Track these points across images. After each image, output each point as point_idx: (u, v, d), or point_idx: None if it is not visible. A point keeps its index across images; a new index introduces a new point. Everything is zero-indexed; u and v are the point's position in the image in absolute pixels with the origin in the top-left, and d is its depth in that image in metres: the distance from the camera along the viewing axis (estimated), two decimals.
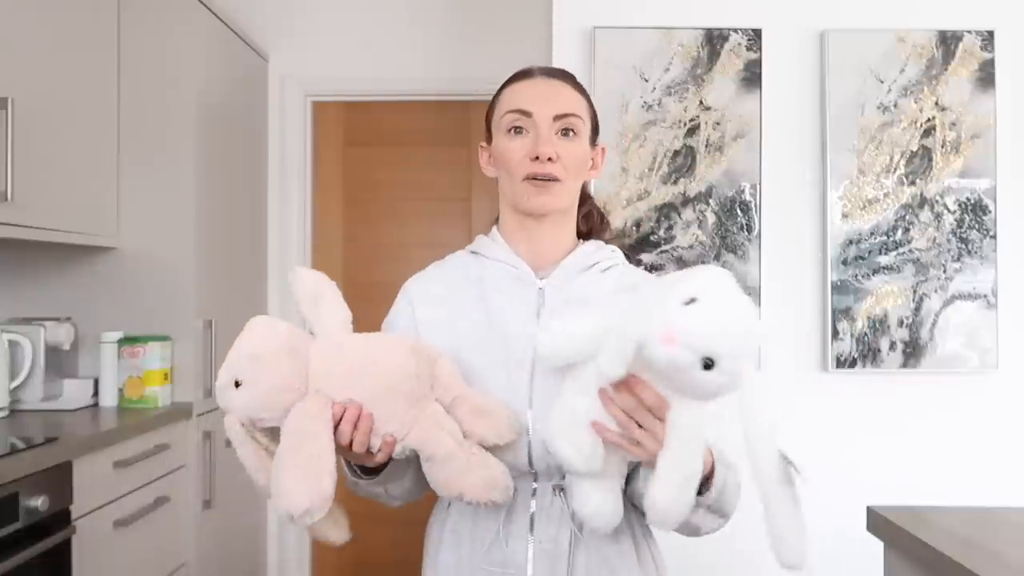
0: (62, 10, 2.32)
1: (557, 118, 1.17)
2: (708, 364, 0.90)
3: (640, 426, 0.99)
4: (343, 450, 1.04)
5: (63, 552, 1.90)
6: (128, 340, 2.52)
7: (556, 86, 1.21)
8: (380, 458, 1.04)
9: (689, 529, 1.10)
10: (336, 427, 1.00)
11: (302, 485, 0.94)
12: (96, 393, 2.54)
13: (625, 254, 1.30)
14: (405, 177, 3.45)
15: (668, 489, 0.97)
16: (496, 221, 1.29)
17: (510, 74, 1.28)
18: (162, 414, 2.43)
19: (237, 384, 1.01)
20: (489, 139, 1.26)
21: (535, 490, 1.14)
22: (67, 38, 2.35)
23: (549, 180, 1.16)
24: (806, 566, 0.95)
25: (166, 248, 2.61)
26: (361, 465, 1.11)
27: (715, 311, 0.91)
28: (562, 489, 1.14)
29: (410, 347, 1.06)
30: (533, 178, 1.16)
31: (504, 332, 1.17)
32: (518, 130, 1.18)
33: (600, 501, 1.04)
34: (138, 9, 2.62)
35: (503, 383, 1.13)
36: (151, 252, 2.61)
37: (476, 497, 1.04)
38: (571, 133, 1.19)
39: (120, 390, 2.50)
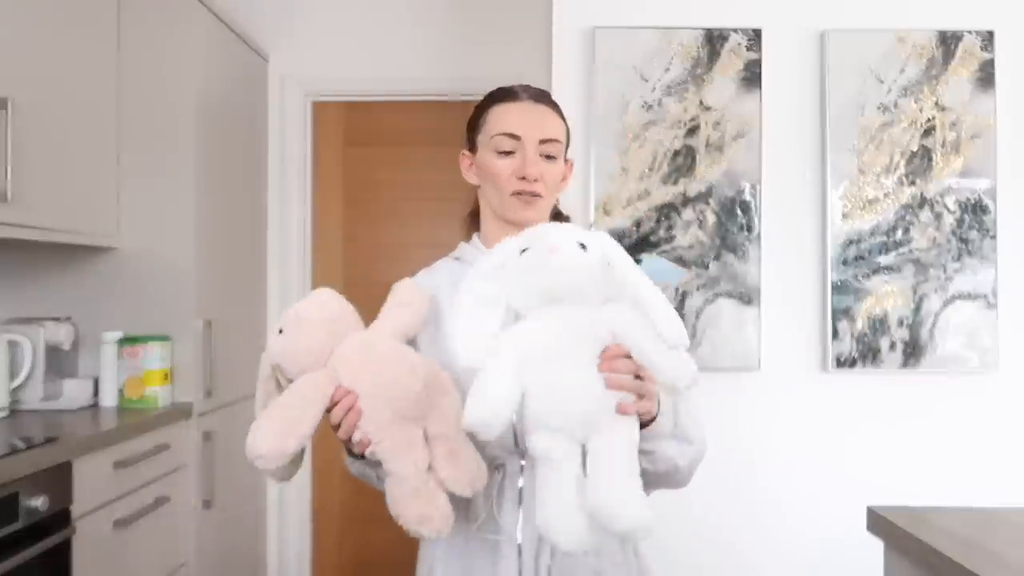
0: (62, 10, 2.32)
1: (542, 142, 1.30)
2: (582, 245, 1.06)
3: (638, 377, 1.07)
4: (333, 429, 1.13)
5: (63, 552, 1.90)
6: (128, 340, 2.52)
7: (542, 111, 1.33)
8: (357, 450, 1.14)
9: (668, 466, 1.21)
10: (332, 407, 1.10)
11: (270, 436, 1.05)
12: (96, 393, 2.54)
13: None
14: (405, 177, 3.45)
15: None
16: (473, 223, 1.40)
17: (501, 84, 1.37)
18: (162, 414, 2.43)
19: (280, 332, 1.13)
20: (470, 147, 1.37)
21: (523, 467, 1.23)
22: (67, 38, 2.35)
23: (534, 196, 1.30)
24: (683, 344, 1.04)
25: (166, 248, 2.61)
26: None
27: (542, 225, 1.12)
28: None
29: (427, 375, 1.12)
30: (519, 194, 1.29)
31: None
32: (508, 152, 1.30)
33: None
34: (138, 9, 2.62)
35: None
36: (151, 252, 2.61)
37: (407, 524, 1.10)
38: (552, 158, 1.32)
39: (120, 390, 2.50)
